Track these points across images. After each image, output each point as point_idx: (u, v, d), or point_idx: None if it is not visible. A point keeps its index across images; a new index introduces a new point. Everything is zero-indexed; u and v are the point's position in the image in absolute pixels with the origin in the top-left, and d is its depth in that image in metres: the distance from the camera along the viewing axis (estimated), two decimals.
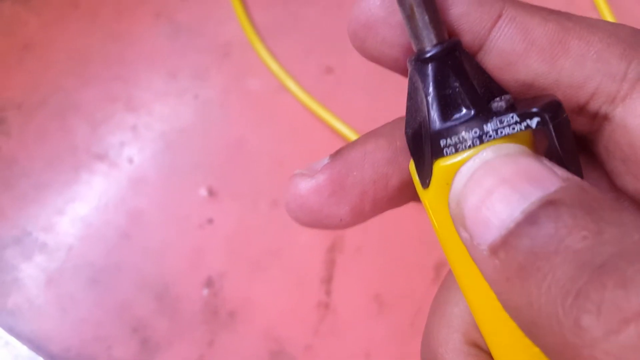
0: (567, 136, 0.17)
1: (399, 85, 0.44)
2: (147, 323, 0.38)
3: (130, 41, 0.45)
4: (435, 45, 0.17)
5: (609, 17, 0.44)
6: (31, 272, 0.39)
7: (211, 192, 0.41)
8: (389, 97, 0.45)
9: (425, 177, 0.17)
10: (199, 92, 0.44)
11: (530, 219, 0.14)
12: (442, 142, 0.17)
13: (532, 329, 0.14)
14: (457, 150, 0.17)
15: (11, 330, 0.38)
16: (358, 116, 0.43)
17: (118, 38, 0.45)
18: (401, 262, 0.39)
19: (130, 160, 0.42)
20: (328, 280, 0.39)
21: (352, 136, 0.42)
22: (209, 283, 0.39)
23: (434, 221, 0.19)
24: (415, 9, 0.17)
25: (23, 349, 0.38)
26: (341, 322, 0.38)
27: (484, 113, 0.17)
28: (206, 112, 0.44)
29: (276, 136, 0.43)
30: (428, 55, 0.17)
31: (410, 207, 0.40)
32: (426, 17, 0.17)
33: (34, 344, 0.38)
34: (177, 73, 0.45)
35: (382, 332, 0.38)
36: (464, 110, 0.17)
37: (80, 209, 0.41)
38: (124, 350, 0.37)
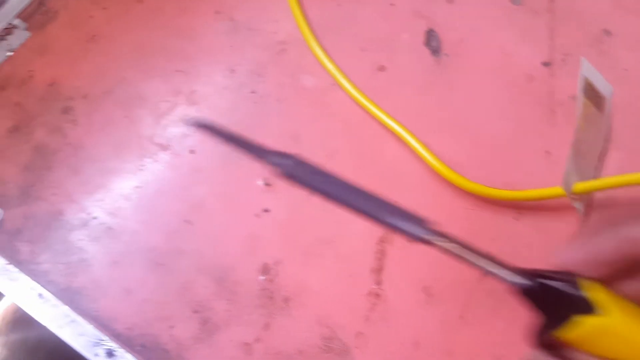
0: None
1: (449, 84, 0.44)
2: (207, 305, 0.38)
3: (192, 36, 0.45)
4: None
5: None
6: (97, 254, 0.40)
7: (268, 183, 0.41)
8: (439, 95, 0.45)
9: None
10: (256, 87, 0.44)
11: None
12: None
13: None
14: None
15: (77, 309, 0.38)
16: (409, 113, 0.42)
17: (180, 33, 0.45)
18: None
19: (192, 151, 0.42)
20: (379, 270, 0.39)
21: (403, 132, 0.42)
22: (265, 269, 0.39)
23: None
24: None
25: (88, 327, 0.38)
26: (391, 311, 0.38)
27: None
28: (263, 106, 0.43)
29: (329, 131, 0.43)
30: None
31: (458, 201, 0.40)
32: None
33: (99, 323, 0.38)
34: (236, 68, 0.45)
35: (431, 323, 0.37)
36: None
37: (144, 195, 0.41)
38: (184, 329, 0.38)
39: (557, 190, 0.38)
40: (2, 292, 0.39)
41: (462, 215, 0.40)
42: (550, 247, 0.38)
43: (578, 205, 0.39)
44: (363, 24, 0.46)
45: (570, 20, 0.45)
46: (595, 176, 0.41)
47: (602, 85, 0.37)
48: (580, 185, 0.37)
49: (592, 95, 0.38)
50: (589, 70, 0.37)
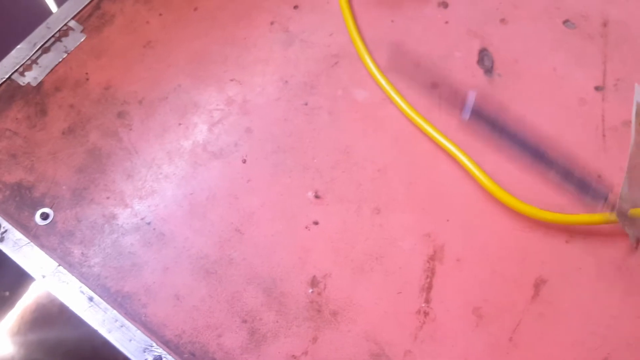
0: None
1: (501, 104, 0.44)
2: (256, 315, 0.38)
3: (247, 46, 0.45)
4: None
5: None
6: (148, 259, 0.39)
7: (317, 195, 0.41)
8: (488, 111, 0.44)
9: None
10: (308, 99, 0.44)
11: None
12: None
13: None
14: None
15: (127, 314, 0.38)
16: (461, 131, 0.42)
17: (235, 42, 0.45)
18: (501, 277, 0.38)
19: (244, 160, 0.42)
20: (428, 288, 0.38)
21: (454, 150, 0.41)
22: (314, 282, 0.39)
23: None
24: None
25: (137, 333, 0.38)
26: (440, 331, 0.37)
27: None
28: (315, 118, 0.43)
29: (380, 146, 0.42)
30: None
31: (509, 222, 0.40)
32: None
33: (148, 328, 0.38)
34: (289, 79, 0.44)
35: (480, 344, 0.37)
36: None
37: (196, 203, 0.41)
38: (233, 339, 0.37)
39: (609, 215, 0.38)
40: (54, 294, 0.39)
41: (513, 237, 0.39)
42: (601, 271, 0.38)
43: (630, 231, 0.39)
44: (417, 41, 0.45)
45: (623, 45, 0.45)
46: None
47: None
48: (634, 212, 0.37)
49: None
50: None
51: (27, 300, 0.88)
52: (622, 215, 0.37)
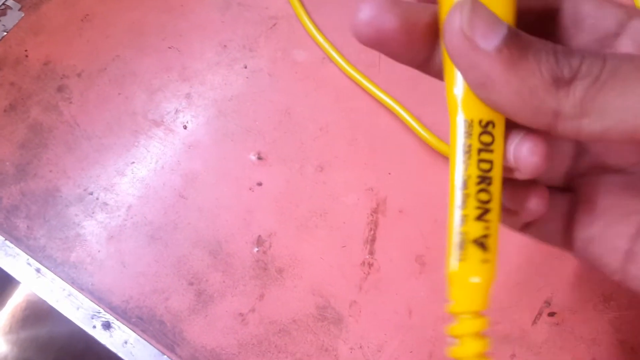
0: None
1: None
2: (202, 277, 0.38)
3: (183, 13, 0.44)
4: None
5: None
6: (93, 229, 0.39)
7: (260, 157, 0.41)
8: None
9: None
10: (248, 62, 0.43)
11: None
12: None
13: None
14: None
15: (74, 283, 0.38)
16: (400, 86, 0.42)
17: (172, 10, 0.44)
18: (443, 225, 0.38)
19: (185, 126, 0.42)
20: (372, 240, 0.38)
21: (394, 105, 0.41)
22: (259, 241, 0.39)
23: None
24: None
25: (85, 300, 0.38)
26: (384, 280, 0.37)
27: None
28: (255, 81, 0.43)
29: (321, 105, 0.42)
30: None
31: (449, 171, 0.39)
32: None
33: (95, 296, 0.38)
34: (228, 44, 0.44)
35: (423, 290, 0.37)
36: None
37: (138, 171, 0.40)
38: (180, 301, 0.37)
39: None
40: (1, 268, 0.39)
41: None
42: None
43: None
44: None
45: None
46: None
47: None
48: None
49: None
50: None
51: (17, 299, 0.87)
52: None
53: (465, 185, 0.22)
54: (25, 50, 0.44)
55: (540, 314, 0.36)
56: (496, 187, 0.21)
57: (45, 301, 0.38)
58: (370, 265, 0.38)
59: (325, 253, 0.38)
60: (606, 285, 0.36)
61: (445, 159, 0.39)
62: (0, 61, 0.44)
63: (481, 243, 0.22)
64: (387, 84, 0.41)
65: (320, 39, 0.43)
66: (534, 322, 0.36)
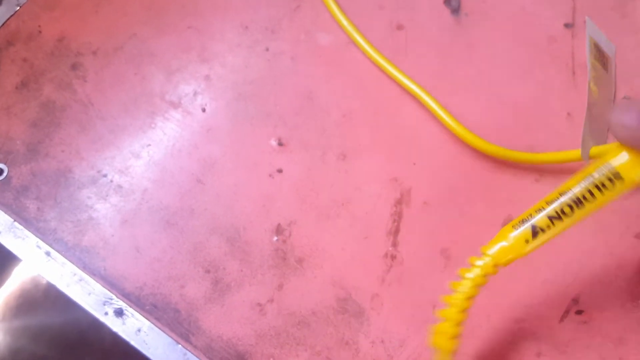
0: None
1: (468, 44, 0.42)
2: (219, 265, 0.36)
3: None
4: None
5: None
6: (106, 212, 0.37)
7: (281, 142, 0.39)
8: (459, 55, 0.42)
9: None
10: (270, 45, 0.42)
11: None
12: None
13: None
14: None
15: (85, 268, 0.36)
16: (427, 73, 0.40)
17: None
18: (469, 218, 0.37)
19: (203, 109, 0.40)
20: (395, 232, 0.37)
21: (420, 93, 0.39)
22: (279, 230, 0.37)
23: None
24: None
25: (97, 286, 0.36)
26: (407, 274, 0.36)
27: None
28: (277, 64, 0.41)
29: (345, 90, 0.40)
30: None
31: (477, 163, 0.38)
32: None
33: (108, 281, 0.36)
34: (250, 25, 0.42)
35: (448, 285, 0.36)
36: None
37: (155, 154, 0.39)
38: (196, 289, 0.36)
39: (578, 153, 0.36)
40: (10, 250, 0.37)
41: (480, 178, 0.38)
42: None
43: None
44: None
45: None
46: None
47: (606, 45, 0.35)
48: (595, 150, 0.35)
49: (599, 56, 0.36)
50: (593, 30, 0.35)
51: (10, 287, 0.86)
52: (585, 153, 0.35)
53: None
54: (39, 26, 0.42)
55: (567, 311, 0.34)
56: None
57: (39, 290, 0.36)
58: (393, 257, 0.36)
59: (347, 243, 0.37)
60: (634, 283, 0.35)
61: (471, 149, 0.38)
62: (12, 36, 0.42)
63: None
64: (414, 71, 0.40)
65: (344, 22, 0.41)
66: (561, 320, 0.34)
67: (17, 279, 0.85)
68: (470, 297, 0.29)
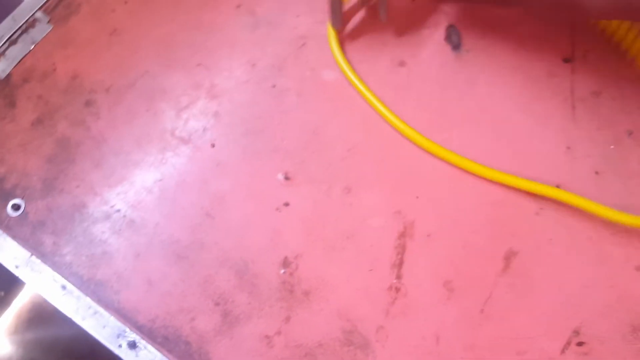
0: None
1: (470, 79, 0.43)
2: (228, 298, 0.37)
3: (213, 30, 0.44)
4: None
5: None
6: (119, 246, 0.39)
7: (287, 177, 0.40)
8: (461, 90, 0.43)
9: None
10: (276, 81, 0.43)
11: None
12: None
13: None
14: None
15: (100, 301, 0.37)
16: (430, 108, 0.41)
17: (201, 27, 0.44)
18: (472, 250, 0.38)
19: (213, 145, 0.41)
20: (399, 264, 0.38)
21: (415, 136, 0.40)
22: (286, 263, 0.38)
23: None
24: None
25: (110, 319, 0.37)
26: (412, 305, 0.37)
27: None
28: (283, 100, 0.42)
29: (349, 125, 0.41)
30: None
31: (479, 196, 0.39)
32: None
33: (121, 314, 0.37)
34: (257, 63, 0.43)
35: (452, 317, 0.36)
36: None
37: (166, 188, 0.40)
38: (206, 321, 0.37)
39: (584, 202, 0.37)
40: (27, 283, 0.38)
41: (483, 210, 0.38)
42: (572, 242, 0.37)
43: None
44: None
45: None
46: None
47: None
48: None
49: None
50: None
51: (23, 300, 0.87)
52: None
53: None
54: (54, 64, 0.44)
55: (568, 343, 0.35)
56: None
57: (50, 303, 0.37)
58: (397, 289, 0.37)
59: (352, 276, 0.37)
60: (635, 315, 0.36)
61: (474, 181, 0.39)
62: (28, 74, 0.44)
63: None
64: (416, 107, 0.41)
65: (342, 63, 0.42)
66: (563, 352, 0.35)
67: (29, 292, 0.86)
68: None
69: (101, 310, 0.37)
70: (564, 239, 0.37)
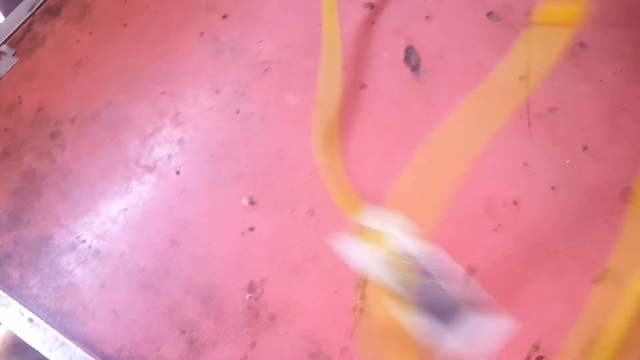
0: None
1: (428, 100, 0.43)
2: (194, 325, 0.37)
3: (177, 58, 0.45)
4: None
5: None
6: (85, 277, 0.39)
7: (252, 201, 0.41)
8: (419, 110, 0.44)
9: None
10: (240, 107, 0.43)
11: None
12: None
13: None
14: None
15: (66, 332, 0.37)
16: (390, 129, 0.42)
17: (165, 55, 0.45)
18: None
19: (177, 172, 0.42)
20: (363, 285, 0.38)
21: None
22: (251, 287, 0.38)
23: None
24: None
25: (77, 350, 0.37)
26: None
27: None
28: (247, 125, 0.43)
29: (313, 148, 0.42)
30: None
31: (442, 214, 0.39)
32: None
33: (88, 345, 0.37)
34: (221, 88, 0.44)
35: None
36: None
37: (131, 217, 0.40)
38: (172, 350, 0.37)
39: None
40: None
41: (441, 229, 0.39)
42: (530, 257, 0.38)
43: None
44: (344, 42, 0.45)
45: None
46: None
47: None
48: None
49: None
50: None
51: (5, 327, 0.86)
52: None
53: None
54: (19, 96, 0.44)
55: (528, 358, 0.36)
56: None
57: None
58: (361, 310, 0.37)
59: (317, 298, 0.38)
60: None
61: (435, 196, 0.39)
62: None
63: None
64: (377, 127, 0.41)
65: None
66: None
67: None
68: None
69: (68, 342, 0.37)
70: (522, 254, 0.38)
